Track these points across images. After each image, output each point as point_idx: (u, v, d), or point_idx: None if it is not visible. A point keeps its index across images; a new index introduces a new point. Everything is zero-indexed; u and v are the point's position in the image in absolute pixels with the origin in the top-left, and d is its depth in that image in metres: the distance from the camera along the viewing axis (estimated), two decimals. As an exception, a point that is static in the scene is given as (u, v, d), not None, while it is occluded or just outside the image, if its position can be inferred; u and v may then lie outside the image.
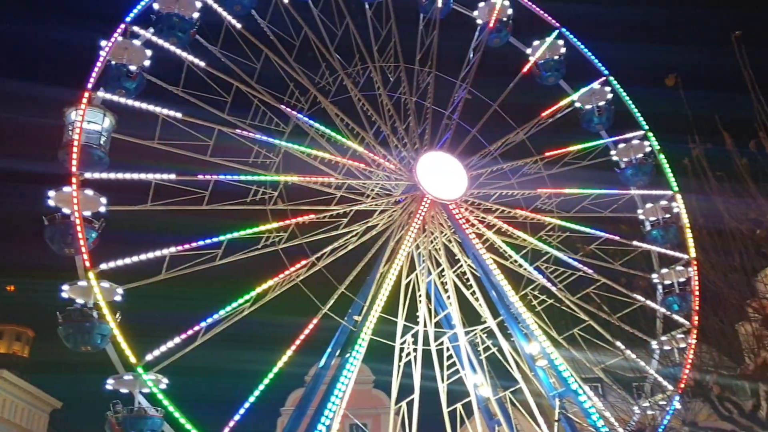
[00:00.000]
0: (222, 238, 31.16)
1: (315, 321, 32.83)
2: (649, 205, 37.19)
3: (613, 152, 37.89)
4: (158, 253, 29.58)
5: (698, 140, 12.13)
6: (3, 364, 45.67)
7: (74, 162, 28.23)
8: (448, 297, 37.39)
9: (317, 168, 34.33)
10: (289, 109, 34.09)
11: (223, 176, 31.58)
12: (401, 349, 36.53)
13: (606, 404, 30.18)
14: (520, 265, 36.84)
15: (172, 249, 29.84)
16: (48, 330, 28.17)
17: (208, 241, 30.81)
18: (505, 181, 37.36)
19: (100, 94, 29.98)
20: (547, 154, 37.76)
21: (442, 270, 37.63)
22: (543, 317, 35.39)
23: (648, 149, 37.67)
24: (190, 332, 29.43)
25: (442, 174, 35.81)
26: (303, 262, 33.17)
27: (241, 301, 31.21)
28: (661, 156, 37.87)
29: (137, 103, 30.59)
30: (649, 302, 32.73)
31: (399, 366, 36.53)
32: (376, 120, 36.17)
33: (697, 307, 32.05)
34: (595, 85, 38.47)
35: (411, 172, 35.45)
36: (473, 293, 37.18)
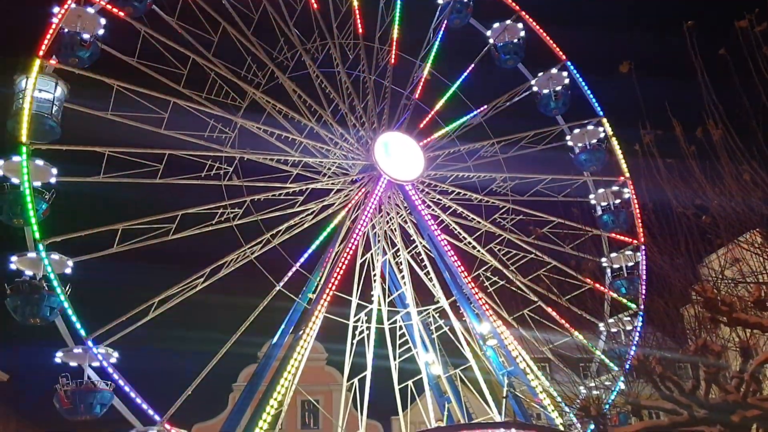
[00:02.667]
0: (176, 212, 30.78)
1: (269, 298, 32.85)
2: (600, 191, 38.12)
3: (568, 137, 38.62)
4: (110, 226, 29.09)
5: (649, 127, 12.48)
6: (-56, 336, 44.27)
7: (24, 131, 27.40)
8: (403, 277, 37.78)
9: (273, 145, 34.07)
10: (245, 84, 33.66)
11: (177, 150, 31.16)
12: (354, 327, 36.82)
13: (553, 383, 31.08)
14: (474, 247, 37.44)
15: (125, 223, 29.38)
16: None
17: (161, 215, 30.48)
18: (461, 164, 37.78)
19: (52, 62, 29.07)
20: (504, 137, 38.27)
21: (397, 250, 37.96)
22: (494, 298, 36.14)
23: (602, 135, 38.51)
24: (141, 307, 29.16)
25: (399, 154, 35.96)
26: (258, 239, 33.09)
27: (194, 276, 31.00)
28: (614, 142, 38.79)
29: (90, 73, 29.78)
30: (597, 285, 33.69)
31: (352, 344, 36.84)
32: (334, 98, 36.00)
33: (643, 291, 33.14)
34: (553, 70, 38.99)
35: (368, 152, 35.49)
36: (427, 274, 37.66)
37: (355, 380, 36.85)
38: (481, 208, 37.42)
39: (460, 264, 34.36)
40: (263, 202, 33.68)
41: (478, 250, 37.17)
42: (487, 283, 36.69)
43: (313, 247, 35.36)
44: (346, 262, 33.19)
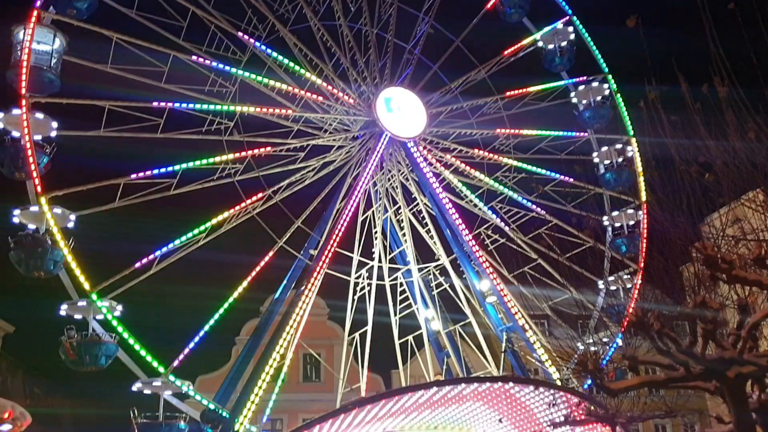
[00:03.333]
0: (177, 167, 30.71)
1: (271, 254, 33.03)
2: (604, 148, 37.90)
3: (572, 94, 38.22)
4: (112, 181, 29.08)
5: (654, 83, 12.33)
6: (-50, 289, 44.75)
7: (24, 84, 27.15)
8: (404, 234, 37.94)
9: (274, 100, 33.79)
10: (246, 37, 33.20)
11: (178, 104, 30.91)
12: (356, 284, 37.15)
13: (551, 340, 31.48)
14: (475, 205, 37.47)
15: (126, 177, 29.37)
16: (-1, 255, 27.80)
17: (162, 170, 30.41)
18: (464, 120, 37.51)
19: (50, 13, 28.64)
20: (508, 93, 37.89)
21: (399, 208, 38.03)
22: (495, 256, 36.35)
23: (607, 92, 38.09)
24: (144, 261, 29.33)
25: (401, 111, 35.69)
26: (259, 195, 33.11)
27: (196, 231, 31.11)
28: (619, 99, 38.39)
29: (89, 25, 29.35)
30: (598, 244, 33.79)
31: (353, 300, 37.23)
32: (335, 52, 35.54)
33: (644, 250, 33.24)
34: (559, 25, 38.37)
35: (370, 108, 35.22)
36: (428, 231, 37.82)
37: (356, 335, 37.36)
38: (483, 166, 37.34)
39: (461, 222, 34.47)
40: (264, 158, 33.61)
41: (480, 208, 37.21)
42: (487, 241, 36.88)
43: (315, 203, 35.35)
44: (348, 219, 33.27)
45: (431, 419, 29.62)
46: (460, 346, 37.27)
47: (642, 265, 31.32)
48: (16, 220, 27.08)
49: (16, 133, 27.25)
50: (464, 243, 34.18)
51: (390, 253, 38.37)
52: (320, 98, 34.55)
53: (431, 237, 37.65)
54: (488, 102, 37.66)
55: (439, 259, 37.31)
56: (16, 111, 27.14)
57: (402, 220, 38.01)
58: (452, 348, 37.04)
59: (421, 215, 37.99)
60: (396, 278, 38.23)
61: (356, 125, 36.02)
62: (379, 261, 37.48)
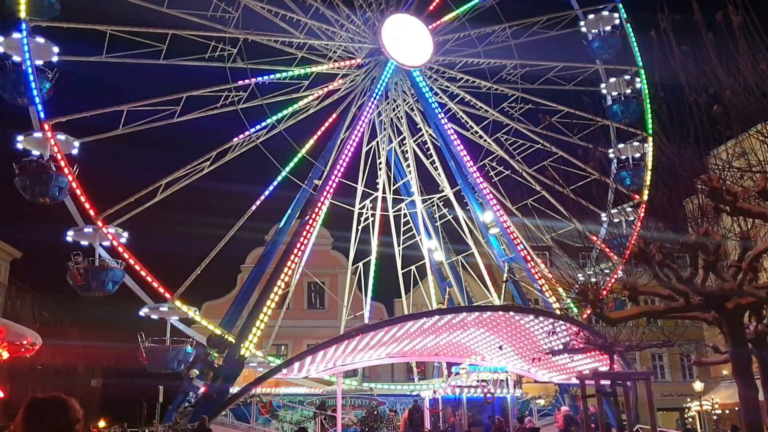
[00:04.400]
0: (180, 94, 30.39)
1: (275, 183, 33.08)
2: (612, 80, 37.34)
3: (581, 23, 37.36)
4: (115, 107, 28.86)
5: (667, 11, 12.00)
6: (-43, 215, 45.15)
7: (23, 7, 26.60)
8: (408, 165, 37.84)
9: (278, 26, 33.07)
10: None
11: (180, 30, 30.31)
12: (360, 214, 37.34)
13: (553, 271, 31.84)
14: (481, 136, 37.22)
15: (129, 104, 29.12)
16: (3, 180, 27.76)
17: (165, 98, 30.11)
18: (471, 49, 36.80)
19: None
20: (516, 22, 37.03)
21: (403, 138, 37.79)
22: (499, 187, 36.36)
23: (617, 21, 37.23)
24: (149, 189, 29.42)
25: (407, 38, 34.98)
26: (263, 123, 32.87)
27: (200, 160, 31.05)
28: (629, 28, 37.55)
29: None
30: (602, 176, 33.71)
31: (357, 230, 37.50)
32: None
33: (648, 182, 33.19)
34: (570, -49, 37.15)
35: (375, 35, 34.51)
36: (432, 162, 37.72)
37: (360, 264, 37.83)
38: (489, 97, 36.90)
39: (465, 153, 34.36)
40: (268, 86, 33.16)
41: (485, 140, 36.98)
42: (492, 173, 36.82)
43: (319, 133, 35.10)
44: (352, 149, 33.13)
45: (433, 346, 30.29)
46: (462, 276, 37.77)
47: (646, 197, 31.31)
48: (19, 146, 27.09)
49: (17, 58, 26.91)
50: (468, 174, 34.18)
51: (394, 184, 38.41)
52: (324, 25, 33.83)
53: (435, 168, 37.59)
54: (496, 30, 36.85)
55: (443, 191, 37.35)
56: (16, 35, 26.72)
57: (407, 150, 37.84)
58: (454, 278, 37.54)
59: (426, 146, 37.81)
60: (400, 209, 38.38)
61: (361, 53, 35.41)
62: (383, 192, 37.56)
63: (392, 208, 38.14)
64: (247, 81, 32.14)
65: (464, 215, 36.68)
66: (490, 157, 37.12)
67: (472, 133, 37.27)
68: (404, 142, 37.82)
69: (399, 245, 38.43)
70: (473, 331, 28.64)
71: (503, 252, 34.43)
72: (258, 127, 32.67)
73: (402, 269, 38.59)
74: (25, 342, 10.22)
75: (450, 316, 27.55)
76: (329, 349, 26.80)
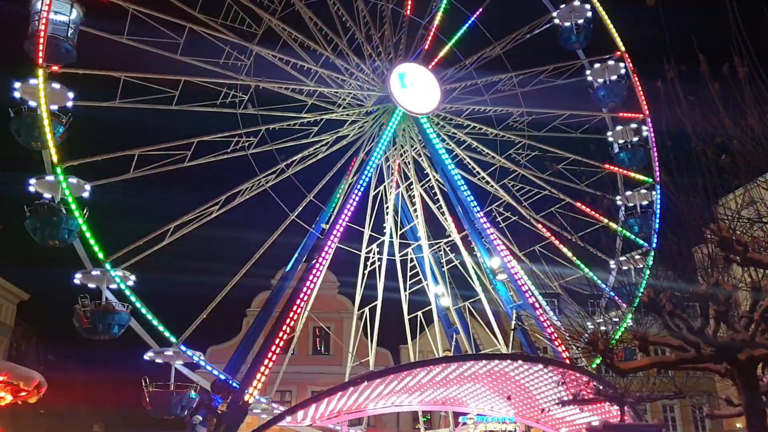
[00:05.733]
0: (191, 140, 30.80)
1: (283, 227, 33.18)
2: (619, 128, 37.65)
3: (587, 72, 37.88)
4: (127, 151, 29.24)
5: (673, 62, 12.17)
6: (-34, 256, 45.33)
7: (41, 54, 27.21)
8: (415, 210, 37.98)
9: (289, 74, 33.68)
10: (261, 11, 33.01)
11: (193, 77, 30.88)
12: (366, 258, 37.32)
13: (561, 318, 31.56)
14: (488, 182, 37.39)
15: (141, 148, 29.50)
16: (15, 223, 28.00)
17: (177, 142, 30.51)
18: (478, 97, 37.28)
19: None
20: (522, 71, 37.58)
21: (411, 183, 38.02)
22: (506, 233, 36.35)
23: (622, 71, 37.72)
24: (158, 232, 29.55)
25: (415, 86, 35.50)
26: (272, 169, 33.20)
27: (209, 204, 31.28)
28: (635, 78, 38.02)
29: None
30: (611, 223, 33.71)
31: (364, 274, 37.43)
32: (350, 26, 35.34)
33: (657, 229, 33.15)
34: (576, 2, 37.87)
35: (384, 83, 35.06)
36: (439, 208, 37.83)
37: (366, 309, 37.62)
38: (496, 143, 37.22)
39: (472, 198, 34.46)
40: (278, 132, 33.63)
41: (492, 186, 37.15)
42: (499, 219, 36.86)
43: (327, 178, 35.37)
44: (360, 194, 33.31)
45: (439, 395, 29.90)
46: (470, 322, 37.47)
47: (654, 245, 31.22)
48: (32, 189, 27.30)
49: (33, 103, 27.38)
50: (476, 220, 34.22)
51: (401, 229, 38.47)
52: (335, 73, 34.43)
53: (442, 213, 37.68)
54: (503, 79, 37.39)
55: (450, 236, 37.36)
56: (33, 81, 27.26)
57: (414, 195, 38.02)
58: (461, 324, 37.26)
59: (433, 191, 37.98)
60: (406, 254, 38.36)
61: (370, 100, 35.93)
62: (390, 236, 37.61)
63: (399, 253, 38.13)
64: (257, 127, 32.61)
65: (471, 261, 36.61)
66: (498, 203, 37.25)
67: (479, 179, 37.46)
68: (411, 187, 38.03)
69: (405, 290, 38.29)
70: (480, 379, 28.27)
71: (511, 298, 34.21)
72: (267, 172, 32.99)
73: (408, 315, 38.36)
74: (31, 386, 10.15)
75: (457, 364, 27.27)
76: (334, 396, 26.48)
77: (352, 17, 35.41)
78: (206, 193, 31.75)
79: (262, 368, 28.72)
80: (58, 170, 27.17)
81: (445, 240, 37.72)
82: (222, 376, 28.75)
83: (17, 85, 27.33)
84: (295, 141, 34.16)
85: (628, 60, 38.07)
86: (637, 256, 31.65)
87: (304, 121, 34.09)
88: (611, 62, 37.74)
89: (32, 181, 27.23)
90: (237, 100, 32.21)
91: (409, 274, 38.29)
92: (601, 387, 22.49)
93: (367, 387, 26.38)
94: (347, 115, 35.51)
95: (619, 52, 38.27)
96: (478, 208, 34.40)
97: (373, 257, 37.42)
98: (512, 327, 33.31)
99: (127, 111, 29.71)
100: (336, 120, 35.49)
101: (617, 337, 21.39)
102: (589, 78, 37.90)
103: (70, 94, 28.00)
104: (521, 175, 37.03)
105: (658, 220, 33.99)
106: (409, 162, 37.56)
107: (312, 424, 29.51)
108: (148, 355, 28.25)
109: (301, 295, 30.70)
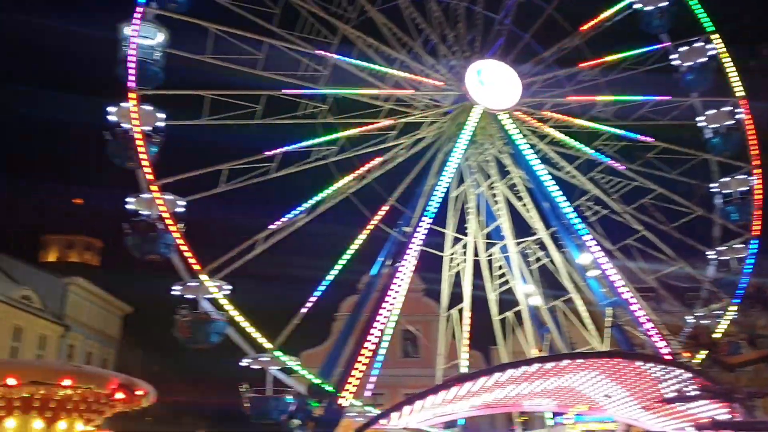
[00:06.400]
0: (275, 152, 31.63)
1: (366, 232, 33.54)
2: (710, 112, 35.90)
3: (673, 56, 36.31)
4: (216, 166, 30.32)
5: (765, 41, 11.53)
6: (77, 272, 48.16)
7: (132, 78, 28.64)
8: (498, 209, 37.45)
9: (366, 80, 34.04)
10: (336, 20, 33.51)
11: (273, 91, 31.71)
12: (450, 260, 37.12)
13: (659, 313, 30.34)
14: (573, 176, 36.46)
15: (229, 163, 30.53)
16: (115, 240, 29.69)
17: (261, 155, 31.42)
18: (559, 89, 36.43)
19: (153, 8, 30.00)
20: (604, 59, 36.48)
21: (493, 181, 37.53)
22: (596, 228, 35.31)
23: (711, 53, 35.94)
24: (248, 242, 30.47)
25: (493, 83, 35.07)
26: (353, 175, 33.62)
27: (295, 212, 32.04)
28: (726, 59, 36.15)
29: (188, 18, 30.50)
30: (706, 212, 32.24)
31: (449, 276, 37.24)
32: (424, 28, 35.34)
33: (757, 216, 31.42)
34: (657, -16, 36.38)
35: (460, 82, 34.82)
36: (524, 205, 37.14)
37: (453, 311, 37.42)
38: (581, 135, 36.23)
39: (559, 193, 33.61)
40: (358, 138, 34.01)
41: (578, 179, 36.20)
42: (588, 213, 35.85)
43: (407, 181, 35.47)
44: (441, 194, 33.20)
45: (534, 395, 29.35)
46: (562, 321, 36.60)
47: (756, 232, 29.60)
48: (129, 207, 28.69)
49: (126, 125, 28.81)
50: (563, 215, 33.36)
51: (485, 228, 38.05)
52: (411, 76, 34.51)
53: (527, 210, 36.98)
54: (584, 68, 36.38)
55: (536, 233, 36.65)
56: (125, 104, 28.72)
57: (497, 194, 37.53)
58: (553, 324, 36.43)
59: (516, 189, 37.35)
60: (491, 254, 37.89)
61: (447, 100, 35.76)
62: (474, 236, 37.27)
63: (484, 253, 37.72)
64: (337, 135, 33.15)
65: (561, 258, 35.77)
66: (586, 197, 36.24)
67: (564, 173, 36.57)
68: (494, 185, 37.55)
69: (493, 290, 37.81)
70: (576, 379, 27.56)
71: (604, 295, 33.16)
72: (348, 178, 33.44)
73: (497, 316, 37.88)
74: (140, 394, 10.69)
75: (551, 364, 26.67)
76: (426, 399, 26.44)
77: (425, 18, 35.41)
78: (292, 203, 32.57)
79: (354, 372, 29.01)
80: (153, 188, 28.46)
81: (532, 238, 37.01)
82: (316, 381, 29.25)
83: (111, 109, 28.83)
84: (374, 147, 34.47)
85: (718, 41, 36.26)
86: (738, 246, 30.14)
87: (383, 127, 34.36)
88: (698, 45, 36.05)
89: (129, 199, 28.62)
90: (317, 110, 32.86)
91: (496, 273, 37.81)
92: (707, 383, 21.45)
93: (459, 389, 26.18)
94: (425, 117, 35.50)
95: (706, 34, 36.50)
96: (566, 203, 33.53)
97: (457, 258, 37.20)
98: (607, 324, 32.26)
99: (215, 128, 30.85)
100: (414, 123, 35.55)
101: (721, 330, 20.41)
102: (676, 63, 36.33)
103: (161, 115, 29.32)
104: (609, 167, 35.92)
105: (757, 207, 32.17)
106: (490, 160, 37.12)
107: (406, 427, 29.57)
108: (245, 362, 29.08)
109: (388, 299, 30.85)
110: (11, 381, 9.30)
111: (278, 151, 31.61)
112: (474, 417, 36.69)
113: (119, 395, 10.15)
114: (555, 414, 29.20)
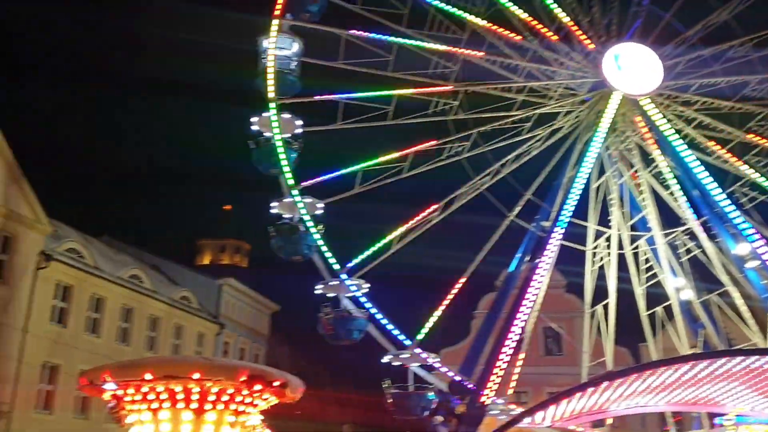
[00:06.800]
0: (407, 151, 31.98)
1: (502, 228, 33.06)
2: None
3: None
4: (351, 168, 31.17)
5: None
6: (228, 273, 51.64)
7: (271, 88, 30.14)
8: (643, 199, 35.55)
9: (497, 73, 33.53)
10: (465, 14, 33.26)
11: (404, 91, 32.04)
12: (593, 254, 35.75)
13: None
14: (725, 161, 33.89)
15: (363, 164, 31.28)
16: (261, 242, 31.55)
17: (394, 155, 31.89)
18: (706, 69, 33.99)
19: (288, 20, 31.37)
20: (756, 34, 33.62)
21: (636, 171, 35.69)
22: (753, 215, 32.63)
23: None
24: (384, 241, 31.03)
25: (632, 67, 33.31)
26: (487, 171, 33.26)
27: (429, 211, 32.19)
28: None
29: (321, 26, 31.62)
30: None
31: (592, 270, 35.89)
32: (556, 15, 34.22)
33: None
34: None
35: (597, 68, 33.39)
36: (671, 194, 35.00)
37: (598, 307, 36.03)
38: (732, 117, 33.59)
39: (711, 180, 31.33)
40: (490, 133, 33.63)
41: (732, 164, 33.59)
42: (743, 200, 33.19)
43: (544, 174, 34.58)
44: (581, 187, 32.04)
45: (689, 395, 27.61)
46: (718, 316, 34.13)
47: None
48: (273, 211, 30.20)
49: (268, 133, 30.36)
50: (715, 203, 31.06)
51: (629, 220, 36.27)
52: (544, 65, 33.60)
53: (675, 200, 34.81)
54: (734, 45, 33.70)
55: (686, 223, 34.41)
56: (266, 113, 30.27)
57: (641, 183, 35.65)
58: (708, 319, 34.06)
59: (662, 177, 35.26)
60: (637, 246, 36.04)
61: (583, 88, 34.43)
62: (618, 229, 35.65)
63: (629, 246, 35.96)
64: (469, 131, 32.95)
65: (714, 248, 33.36)
66: (740, 183, 33.60)
67: (714, 159, 34.09)
68: (637, 175, 35.69)
69: (640, 285, 35.97)
70: (737, 377, 25.59)
71: (765, 287, 30.53)
72: (482, 174, 33.14)
73: (645, 311, 35.99)
74: (292, 389, 11.16)
75: (707, 361, 24.95)
76: (573, 397, 25.64)
77: (557, 4, 34.29)
78: (425, 201, 32.79)
79: (496, 370, 28.71)
80: (294, 192, 29.77)
81: (682, 228, 34.80)
82: (457, 378, 29.25)
83: (254, 119, 30.46)
84: (507, 140, 33.90)
85: None
86: None
87: (516, 119, 33.72)
88: None
89: (273, 204, 30.11)
90: (448, 107, 32.83)
91: (643, 267, 35.92)
92: None
93: (608, 387, 25.15)
94: (560, 106, 34.41)
95: None
96: (718, 190, 31.19)
97: (600, 252, 35.75)
98: (771, 319, 29.72)
99: (348, 130, 31.72)
100: (549, 113, 34.59)
101: None
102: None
103: (299, 122, 30.61)
104: (766, 149, 33.05)
105: None
106: (632, 148, 35.34)
107: (552, 426, 28.86)
108: (386, 358, 29.64)
109: (528, 296, 30.22)
110: (148, 376, 10.17)
111: (410, 150, 31.95)
112: (623, 416, 35.20)
113: (257, 386, 10.69)
114: (712, 415, 27.27)
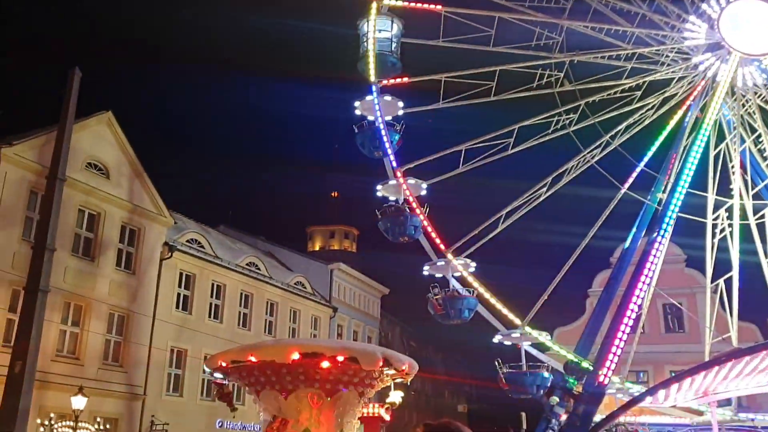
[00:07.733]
0: (512, 127, 31.38)
1: (614, 202, 31.88)
2: None
3: None
4: (454, 148, 30.97)
5: None
6: (339, 258, 52.99)
7: (372, 72, 30.40)
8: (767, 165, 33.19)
9: (604, 41, 32.13)
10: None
11: (507, 65, 31.36)
12: (714, 226, 33.80)
13: None
14: None
15: (467, 143, 30.99)
16: (368, 227, 32.06)
17: (499, 132, 31.37)
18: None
19: (386, 2, 31.43)
20: None
21: (759, 136, 33.34)
22: None
23: None
24: (491, 220, 30.72)
25: (754, 25, 31.01)
26: (597, 143, 32.12)
27: (536, 187, 31.48)
28: None
29: (419, 3, 31.38)
30: None
31: (713, 243, 33.96)
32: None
33: None
34: None
35: (713, 29, 31.33)
36: (804, 158, 32.49)
37: (721, 281, 34.11)
38: None
39: None
40: (598, 104, 32.44)
41: None
42: None
43: (657, 143, 32.98)
44: (698, 155, 30.31)
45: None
46: None
47: None
48: (378, 194, 30.57)
49: (370, 117, 30.67)
50: None
51: (753, 188, 33.98)
52: (653, 30, 31.90)
53: (805, 164, 32.29)
54: None
55: (819, 190, 31.88)
56: (368, 97, 30.55)
57: (765, 149, 33.28)
58: None
59: (789, 141, 32.75)
60: (763, 216, 33.73)
61: (698, 51, 32.42)
62: (740, 198, 33.50)
63: (753, 216, 33.72)
64: (576, 103, 31.90)
65: None
66: None
67: None
68: (760, 140, 33.33)
69: (766, 257, 33.68)
70: None
71: None
72: (592, 147, 32.03)
73: (775, 283, 33.68)
74: (404, 368, 11.32)
75: None
76: (697, 375, 24.42)
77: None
78: (532, 177, 32.11)
79: (614, 348, 27.83)
80: (399, 174, 29.98)
81: (816, 194, 32.27)
82: (572, 357, 28.64)
83: (356, 103, 30.85)
84: (617, 110, 32.57)
85: None
86: None
87: (625, 88, 32.31)
88: None
89: (378, 187, 30.47)
90: (553, 79, 31.89)
91: (769, 238, 33.63)
92: None
93: (735, 365, 23.74)
94: (672, 72, 32.60)
95: None
96: None
97: (721, 224, 33.74)
98: None
99: (450, 110, 31.53)
100: (661, 80, 32.87)
101: None
102: None
103: (400, 104, 30.68)
104: None
105: None
106: (754, 112, 33.00)
107: (675, 405, 27.71)
108: (497, 338, 29.47)
109: (645, 272, 29.02)
110: (252, 359, 10.57)
111: (515, 126, 31.35)
112: (753, 395, 33.27)
113: (389, 371, 10.98)
114: None
